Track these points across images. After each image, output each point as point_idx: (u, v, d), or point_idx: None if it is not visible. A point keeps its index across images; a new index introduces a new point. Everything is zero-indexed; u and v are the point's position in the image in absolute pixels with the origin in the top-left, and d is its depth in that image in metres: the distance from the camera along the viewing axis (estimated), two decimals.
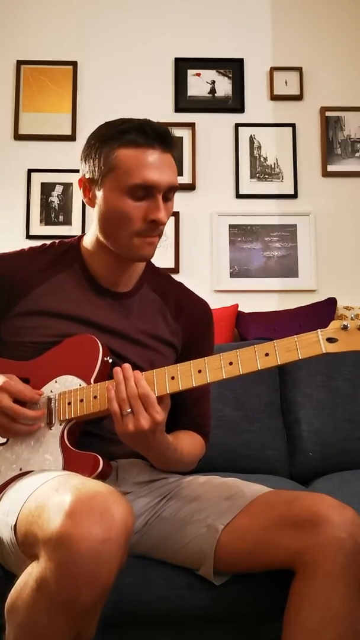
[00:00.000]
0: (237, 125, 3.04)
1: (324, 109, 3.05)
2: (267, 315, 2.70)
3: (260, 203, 3.00)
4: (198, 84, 3.07)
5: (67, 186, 2.98)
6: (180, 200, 2.79)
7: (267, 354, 1.07)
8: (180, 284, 1.44)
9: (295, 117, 3.05)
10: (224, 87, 3.07)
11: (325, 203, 3.00)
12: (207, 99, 3.07)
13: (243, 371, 1.09)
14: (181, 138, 2.98)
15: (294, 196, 3.00)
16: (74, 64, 3.05)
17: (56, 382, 1.24)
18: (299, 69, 3.05)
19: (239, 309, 2.72)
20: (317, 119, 3.06)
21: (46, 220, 2.98)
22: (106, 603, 0.98)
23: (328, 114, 3.05)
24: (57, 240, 1.39)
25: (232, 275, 2.95)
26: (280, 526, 1.10)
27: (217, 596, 1.18)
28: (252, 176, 3.02)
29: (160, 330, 1.35)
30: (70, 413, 1.19)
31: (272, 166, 3.03)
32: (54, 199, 2.99)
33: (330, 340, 1.05)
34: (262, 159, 3.03)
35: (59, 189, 2.99)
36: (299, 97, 3.05)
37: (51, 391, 1.23)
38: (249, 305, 2.77)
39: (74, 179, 2.81)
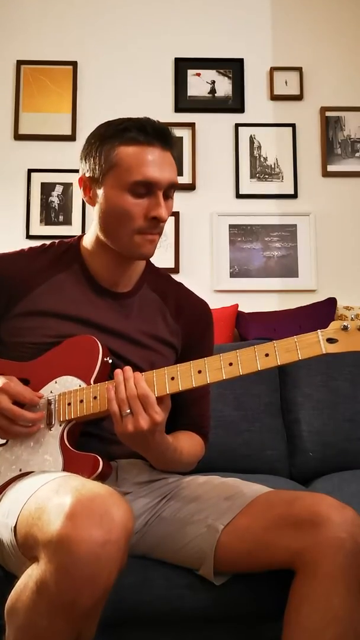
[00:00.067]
0: (237, 125, 3.04)
1: (324, 109, 3.05)
2: (267, 315, 2.70)
3: (260, 203, 3.00)
4: (198, 84, 3.07)
5: (67, 186, 2.98)
6: (180, 200, 2.79)
7: (267, 355, 1.07)
8: (180, 284, 1.44)
9: (295, 117, 3.05)
10: (224, 87, 3.07)
11: (325, 203, 3.00)
12: (207, 99, 3.07)
13: (243, 372, 1.09)
14: (181, 138, 2.98)
15: (294, 196, 3.00)
16: (73, 64, 3.05)
17: (56, 382, 1.23)
18: (299, 69, 3.05)
19: (239, 309, 2.72)
20: (317, 119, 3.06)
21: (46, 220, 2.98)
22: (106, 603, 0.98)
23: (328, 114, 3.05)
24: (56, 240, 1.39)
25: (232, 275, 2.95)
26: (280, 526, 1.10)
27: (217, 596, 1.18)
28: (252, 176, 3.02)
29: (160, 330, 1.35)
30: (70, 414, 1.19)
31: (272, 166, 3.03)
32: (54, 199, 2.99)
33: (331, 340, 1.05)
34: (262, 159, 3.03)
35: (59, 189, 2.99)
36: (299, 97, 3.05)
37: (51, 392, 1.23)
38: (249, 305, 2.77)
39: (74, 179, 2.81)
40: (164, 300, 1.38)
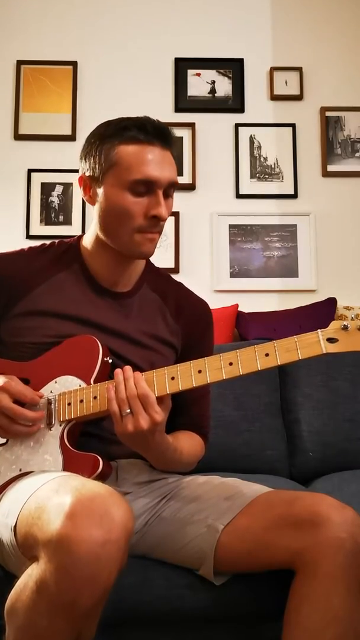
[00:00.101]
0: (237, 125, 3.04)
1: (324, 109, 3.05)
2: (267, 315, 2.70)
3: (260, 203, 3.00)
4: (198, 84, 3.07)
5: (67, 186, 2.98)
6: (180, 200, 2.80)
7: (267, 354, 1.07)
8: (179, 284, 1.44)
9: (295, 117, 3.05)
10: (224, 87, 3.07)
11: (325, 203, 3.00)
12: (207, 99, 3.07)
13: (243, 371, 1.09)
14: (181, 138, 2.98)
15: (294, 196, 3.00)
16: (74, 64, 3.05)
17: (56, 382, 1.23)
18: (299, 69, 3.05)
19: (239, 309, 2.72)
20: (317, 119, 3.06)
21: (46, 220, 2.98)
22: (106, 603, 0.98)
23: (328, 114, 3.05)
24: (56, 240, 1.39)
25: (232, 275, 2.95)
26: (280, 526, 1.10)
27: (217, 596, 1.18)
28: (252, 176, 3.02)
29: (160, 330, 1.35)
30: (70, 414, 1.19)
31: (272, 166, 3.03)
32: (54, 199, 2.99)
33: (331, 340, 1.05)
34: (262, 159, 3.03)
35: (59, 189, 2.99)
36: (299, 97, 3.05)
37: (51, 392, 1.23)
38: (249, 305, 2.77)
39: (74, 178, 2.81)
40: (164, 300, 1.38)
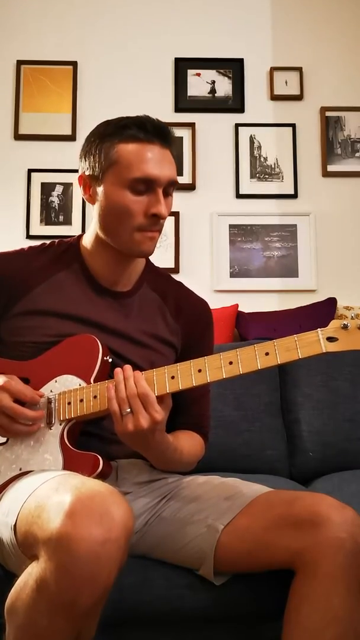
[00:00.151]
0: (237, 125, 3.04)
1: (324, 109, 3.05)
2: (267, 315, 2.70)
3: (260, 203, 3.00)
4: (198, 84, 3.07)
5: (67, 186, 2.98)
6: (180, 200, 2.80)
7: (267, 354, 1.07)
8: (179, 284, 1.44)
9: (295, 117, 3.05)
10: (224, 87, 3.07)
11: (325, 203, 3.00)
12: (207, 99, 3.07)
13: (243, 371, 1.08)
14: (181, 138, 2.98)
15: (294, 196, 3.00)
16: (74, 64, 3.05)
17: (56, 381, 1.23)
18: (299, 69, 3.05)
19: (239, 309, 2.72)
20: (317, 119, 3.06)
21: (46, 220, 2.98)
22: (106, 603, 0.98)
23: (328, 114, 3.05)
24: (56, 240, 1.39)
25: (232, 275, 2.95)
26: (280, 526, 1.10)
27: (217, 596, 1.18)
28: (252, 176, 3.02)
29: (160, 329, 1.35)
30: (70, 413, 1.19)
31: (272, 166, 3.03)
32: (54, 199, 2.98)
33: (331, 339, 1.05)
34: (262, 159, 3.03)
35: (59, 189, 2.99)
36: (299, 97, 3.05)
37: (51, 391, 1.23)
38: (249, 305, 2.77)
39: (74, 178, 2.81)
40: (164, 300, 1.38)
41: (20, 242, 2.90)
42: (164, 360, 1.30)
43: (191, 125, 3.01)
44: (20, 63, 3.04)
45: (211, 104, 3.06)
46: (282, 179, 3.01)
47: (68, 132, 3.00)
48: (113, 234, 1.27)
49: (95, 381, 1.21)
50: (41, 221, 2.97)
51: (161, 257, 2.75)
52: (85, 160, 1.29)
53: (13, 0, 3.08)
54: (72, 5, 3.09)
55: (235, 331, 2.66)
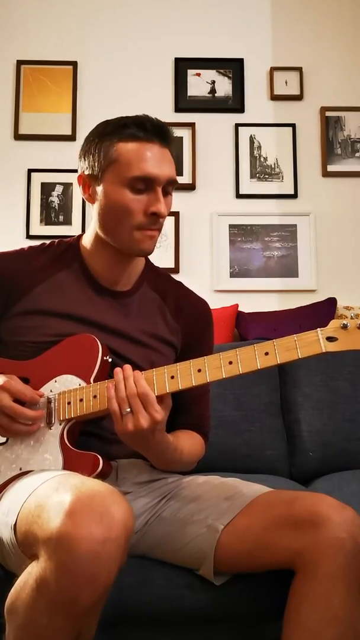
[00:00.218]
0: (237, 125, 3.04)
1: (324, 109, 3.05)
2: (267, 315, 2.70)
3: (260, 203, 3.00)
4: (198, 84, 3.07)
5: (67, 186, 2.98)
6: (180, 200, 2.80)
7: (266, 353, 1.07)
8: (179, 284, 1.44)
9: (295, 117, 3.05)
10: (224, 87, 3.07)
11: (325, 203, 3.00)
12: (207, 99, 3.07)
13: (243, 370, 1.08)
14: (181, 138, 2.98)
15: (294, 196, 3.00)
16: (74, 64, 3.05)
17: (56, 381, 1.23)
18: (299, 69, 3.05)
19: (239, 309, 2.72)
20: (317, 119, 3.06)
21: (46, 220, 2.98)
22: (106, 603, 0.98)
23: (328, 114, 3.05)
24: (56, 240, 1.39)
25: (232, 275, 2.95)
26: (280, 526, 1.10)
27: (217, 596, 1.17)
28: (252, 176, 3.02)
29: (160, 329, 1.35)
30: (69, 413, 1.19)
31: (272, 166, 3.03)
32: (54, 199, 2.98)
33: (330, 339, 1.05)
34: (262, 159, 3.03)
35: (59, 189, 2.99)
36: (299, 97, 3.05)
37: (51, 391, 1.23)
38: (249, 305, 2.77)
39: (74, 178, 2.78)
40: (164, 300, 1.38)
41: (20, 242, 2.90)
42: (163, 360, 1.30)
43: (191, 125, 3.01)
44: (20, 63, 3.05)
45: (211, 104, 3.06)
46: (282, 179, 3.02)
47: (68, 132, 3.00)
48: (113, 233, 1.27)
49: (95, 381, 1.21)
50: (41, 221, 2.97)
51: (161, 257, 2.75)
52: (85, 160, 1.29)
53: (13, 0, 3.08)
54: (72, 5, 3.09)
55: (235, 331, 2.66)
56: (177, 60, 3.07)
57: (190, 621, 1.23)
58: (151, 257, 1.40)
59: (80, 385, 1.21)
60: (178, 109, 3.05)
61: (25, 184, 2.98)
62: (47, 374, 1.24)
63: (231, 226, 2.97)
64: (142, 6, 3.09)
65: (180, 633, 1.27)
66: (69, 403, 1.19)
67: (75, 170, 1.35)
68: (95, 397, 1.17)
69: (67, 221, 2.97)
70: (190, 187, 2.98)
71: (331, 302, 2.73)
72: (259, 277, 2.95)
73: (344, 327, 1.04)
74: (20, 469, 1.20)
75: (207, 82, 3.07)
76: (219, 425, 1.85)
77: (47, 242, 1.39)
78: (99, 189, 1.26)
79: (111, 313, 1.32)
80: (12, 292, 1.29)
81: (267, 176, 3.02)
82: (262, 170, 3.02)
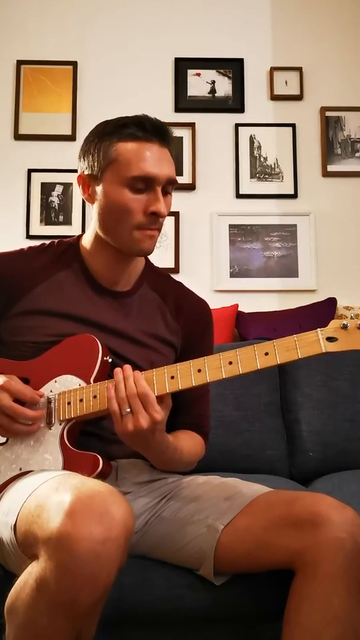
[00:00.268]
0: (237, 125, 3.04)
1: (324, 109, 3.05)
2: (267, 315, 2.70)
3: (260, 203, 3.00)
4: (198, 84, 3.07)
5: (67, 186, 2.98)
6: (180, 200, 2.80)
7: (266, 354, 1.07)
8: (179, 284, 1.44)
9: (295, 117, 3.05)
10: (224, 87, 3.07)
11: (325, 203, 3.00)
12: (207, 99, 3.07)
13: (242, 370, 1.08)
14: (181, 138, 2.98)
15: (294, 196, 3.00)
16: (74, 64, 3.05)
17: (56, 381, 1.23)
18: (299, 69, 3.05)
19: (239, 309, 2.72)
20: (317, 119, 3.06)
21: (46, 220, 2.98)
22: (106, 603, 0.98)
23: (328, 114, 3.05)
24: (56, 240, 1.39)
25: (232, 275, 2.95)
26: (280, 526, 1.10)
27: (217, 596, 1.17)
28: (252, 176, 3.02)
29: (160, 329, 1.35)
30: (69, 413, 1.19)
31: (272, 166, 3.03)
32: (54, 199, 2.99)
33: (330, 339, 1.05)
34: (262, 159, 3.03)
35: (59, 189, 2.99)
36: (299, 97, 3.05)
37: (51, 391, 1.23)
38: (249, 305, 2.77)
39: (74, 178, 2.78)
40: (164, 300, 1.38)
41: (20, 242, 2.90)
42: (163, 360, 1.30)
43: (191, 125, 3.01)
44: (20, 63, 3.05)
45: (211, 104, 3.06)
46: (282, 179, 3.02)
47: (68, 132, 3.00)
48: (112, 232, 1.27)
49: (95, 381, 1.21)
50: (41, 221, 2.97)
51: (161, 257, 2.75)
52: (84, 160, 1.29)
53: (13, 0, 3.08)
54: (72, 5, 3.09)
55: (235, 331, 2.66)
56: (177, 60, 3.07)
57: (190, 621, 1.23)
58: (151, 257, 1.40)
59: (80, 385, 1.21)
60: (178, 109, 3.05)
61: (25, 184, 2.98)
62: (47, 374, 1.24)
63: (231, 226, 2.97)
64: (142, 6, 3.09)
65: (180, 633, 1.27)
66: (69, 403, 1.19)
67: (75, 170, 1.35)
68: (95, 397, 1.17)
69: (67, 221, 2.98)
70: (190, 187, 2.99)
71: (331, 302, 2.73)
72: (259, 277, 2.95)
73: (344, 327, 1.04)
74: (20, 469, 1.20)
75: (207, 82, 3.07)
76: (219, 425, 1.85)
77: (47, 242, 1.39)
78: (99, 189, 1.26)
79: (111, 313, 1.32)
80: (12, 292, 1.29)
81: (267, 176, 3.02)
82: (262, 170, 3.02)
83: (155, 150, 1.23)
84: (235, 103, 3.06)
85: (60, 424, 1.20)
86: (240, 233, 2.97)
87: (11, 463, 1.21)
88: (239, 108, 3.06)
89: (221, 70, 3.08)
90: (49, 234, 2.87)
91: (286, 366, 2.04)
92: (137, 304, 1.35)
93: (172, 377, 1.13)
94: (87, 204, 1.32)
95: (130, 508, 0.99)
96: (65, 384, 1.22)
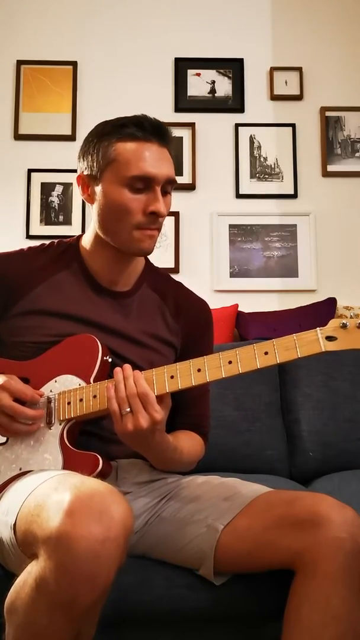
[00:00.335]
0: (237, 125, 3.04)
1: (324, 109, 3.05)
2: (267, 315, 2.70)
3: (260, 203, 3.00)
4: (198, 84, 3.07)
5: (67, 186, 2.98)
6: (180, 200, 2.80)
7: (266, 353, 1.07)
8: (179, 284, 1.44)
9: (295, 117, 3.05)
10: (224, 87, 3.07)
11: (325, 203, 3.00)
12: (207, 99, 3.07)
13: (242, 370, 1.08)
14: (181, 138, 2.98)
15: (294, 196, 3.00)
16: (73, 64, 3.05)
17: (56, 381, 1.23)
18: (299, 69, 3.05)
19: (239, 309, 2.72)
20: (317, 119, 3.06)
21: (46, 220, 2.98)
22: (106, 603, 0.98)
23: (328, 114, 3.05)
24: (56, 240, 1.39)
25: (232, 275, 2.95)
26: (280, 526, 1.10)
27: (217, 596, 1.17)
28: (252, 176, 3.02)
29: (160, 329, 1.35)
30: (69, 413, 1.19)
31: (272, 166, 3.03)
32: (54, 199, 2.99)
33: (330, 338, 1.05)
34: (262, 159, 3.03)
35: (59, 189, 2.99)
36: (299, 97, 3.06)
37: (51, 391, 1.23)
38: (249, 305, 2.77)
39: (74, 178, 2.78)
40: (164, 300, 1.38)
41: (20, 242, 2.90)
42: (163, 360, 1.30)
43: (191, 125, 3.01)
44: (20, 63, 3.05)
45: (211, 104, 3.06)
46: (282, 179, 3.02)
47: (68, 132, 3.00)
48: (112, 232, 1.27)
49: (94, 381, 1.21)
50: (41, 221, 2.97)
51: (161, 257, 2.75)
52: (84, 160, 1.29)
53: (13, 0, 3.08)
54: (72, 5, 3.09)
55: (235, 331, 2.66)
56: (177, 60, 3.07)
57: (190, 621, 1.23)
58: (151, 257, 1.40)
59: (80, 385, 1.21)
60: (178, 109, 3.05)
61: (25, 184, 2.98)
62: (47, 374, 1.24)
63: (231, 226, 2.97)
64: (142, 6, 3.09)
65: (180, 633, 1.27)
66: (68, 403, 1.19)
67: (75, 170, 1.35)
68: (95, 397, 1.17)
69: (67, 221, 2.98)
70: (190, 187, 2.99)
71: (331, 302, 2.73)
72: (259, 277, 2.95)
73: (344, 326, 1.04)
74: (20, 469, 1.20)
75: (207, 82, 3.07)
76: (219, 425, 1.85)
77: (47, 242, 1.39)
78: (98, 189, 1.26)
79: (111, 313, 1.32)
80: (12, 292, 1.29)
81: (267, 176, 3.02)
82: (262, 170, 3.02)
83: (155, 150, 1.23)
84: (235, 103, 3.06)
85: (60, 424, 1.20)
86: (240, 233, 2.97)
87: (11, 463, 1.21)
88: (239, 108, 3.06)
89: (221, 70, 3.08)
90: (49, 234, 2.87)
91: (286, 366, 2.04)
92: (137, 304, 1.35)
93: (172, 377, 1.13)
94: (87, 204, 1.32)
95: (129, 507, 0.99)
96: (65, 383, 1.22)
